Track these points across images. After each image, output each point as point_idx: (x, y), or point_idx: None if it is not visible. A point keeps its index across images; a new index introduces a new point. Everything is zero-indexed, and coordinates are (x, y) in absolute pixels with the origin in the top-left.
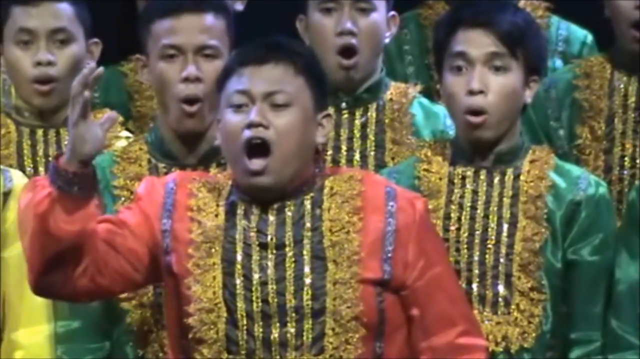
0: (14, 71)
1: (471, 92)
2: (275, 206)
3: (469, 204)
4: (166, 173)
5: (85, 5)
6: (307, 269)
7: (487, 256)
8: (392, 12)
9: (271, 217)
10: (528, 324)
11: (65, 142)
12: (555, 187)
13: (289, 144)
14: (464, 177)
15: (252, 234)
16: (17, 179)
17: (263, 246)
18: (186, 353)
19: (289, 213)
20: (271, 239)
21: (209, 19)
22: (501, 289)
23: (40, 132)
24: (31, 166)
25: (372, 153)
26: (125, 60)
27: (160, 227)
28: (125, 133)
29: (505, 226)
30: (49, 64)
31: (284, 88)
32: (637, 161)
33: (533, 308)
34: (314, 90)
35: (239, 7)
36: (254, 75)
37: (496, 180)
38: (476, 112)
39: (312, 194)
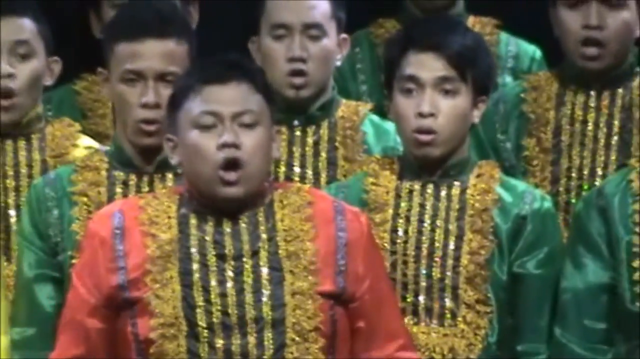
0: None
1: (421, 115)
2: (230, 217)
3: (416, 218)
4: (124, 181)
5: (47, 23)
6: (265, 280)
7: (434, 268)
8: (343, 35)
9: (227, 229)
10: (474, 336)
11: (35, 147)
12: (501, 202)
13: (257, 161)
14: (411, 191)
15: (209, 245)
16: None
17: (221, 258)
18: None
19: (244, 225)
20: (229, 250)
21: (172, 45)
22: (448, 301)
23: (9, 141)
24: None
25: (325, 170)
26: (78, 78)
27: (115, 264)
28: (85, 141)
29: (452, 239)
30: (9, 76)
31: (250, 107)
32: (584, 172)
33: (479, 320)
34: (270, 105)
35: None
36: (220, 96)
37: (443, 193)
38: (426, 131)
39: (263, 207)
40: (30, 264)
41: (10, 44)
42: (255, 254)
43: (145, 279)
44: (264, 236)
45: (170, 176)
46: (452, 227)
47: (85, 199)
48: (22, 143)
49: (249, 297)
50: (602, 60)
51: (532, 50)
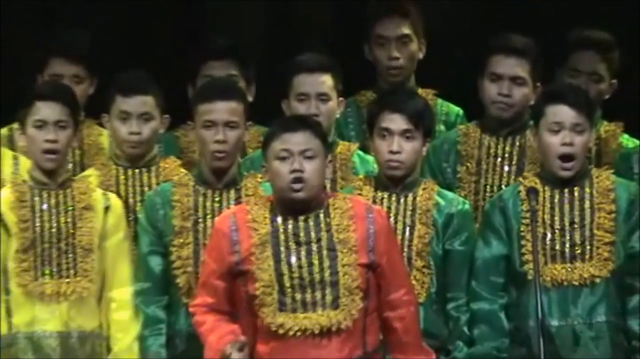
0: (115, 135)
1: (392, 152)
2: (302, 218)
3: None
4: (203, 193)
5: (162, 93)
6: (325, 257)
7: None
8: (341, 98)
9: (300, 225)
10: (421, 288)
11: (153, 175)
12: (438, 205)
13: (314, 179)
14: (382, 199)
15: (290, 235)
16: (113, 198)
17: (297, 243)
18: (252, 314)
19: (311, 222)
20: (302, 238)
21: (233, 104)
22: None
23: (130, 171)
24: (124, 192)
25: (328, 185)
26: (178, 127)
27: (232, 249)
28: (183, 172)
29: (408, 228)
30: (137, 134)
31: (311, 147)
32: (494, 189)
33: (424, 278)
34: (325, 146)
35: (250, 98)
36: (292, 139)
37: (402, 200)
38: (395, 161)
39: (322, 210)
40: (146, 243)
41: (138, 113)
42: (318, 240)
43: (251, 258)
44: (323, 228)
45: (232, 191)
46: (408, 221)
47: (179, 204)
48: (144, 172)
49: (315, 267)
50: (508, 113)
51: (457, 110)
